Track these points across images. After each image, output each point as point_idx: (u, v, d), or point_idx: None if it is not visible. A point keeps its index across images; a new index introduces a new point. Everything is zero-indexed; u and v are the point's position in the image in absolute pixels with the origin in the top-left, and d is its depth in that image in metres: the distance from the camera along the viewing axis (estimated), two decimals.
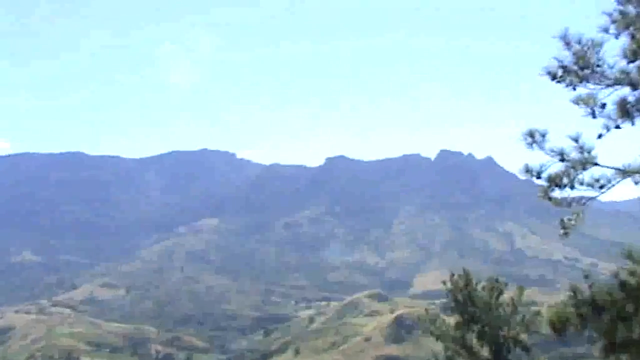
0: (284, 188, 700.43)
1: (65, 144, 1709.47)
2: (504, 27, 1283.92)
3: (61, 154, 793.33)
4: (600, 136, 13.51)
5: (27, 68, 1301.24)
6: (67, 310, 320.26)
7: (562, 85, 13.80)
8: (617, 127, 13.43)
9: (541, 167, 14.00)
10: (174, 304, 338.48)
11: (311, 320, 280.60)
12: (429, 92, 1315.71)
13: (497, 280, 35.27)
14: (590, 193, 13.91)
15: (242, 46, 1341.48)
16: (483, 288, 35.09)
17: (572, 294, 13.81)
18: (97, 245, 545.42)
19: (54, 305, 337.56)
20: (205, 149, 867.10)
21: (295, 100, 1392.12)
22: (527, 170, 14.15)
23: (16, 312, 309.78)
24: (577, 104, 13.52)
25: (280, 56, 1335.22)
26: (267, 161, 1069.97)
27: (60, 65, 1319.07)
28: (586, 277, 14.21)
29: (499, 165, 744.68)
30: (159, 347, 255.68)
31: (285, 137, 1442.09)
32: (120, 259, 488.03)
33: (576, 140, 13.74)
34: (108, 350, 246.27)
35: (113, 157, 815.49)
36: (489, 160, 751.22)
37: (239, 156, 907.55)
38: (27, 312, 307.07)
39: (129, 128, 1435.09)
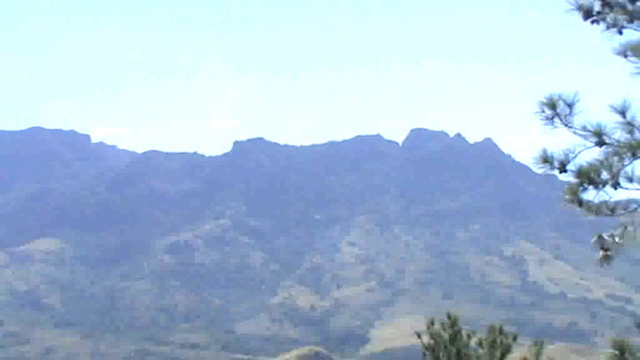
0: (168, 189, 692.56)
1: None
2: None
3: None
4: None
5: None
6: None
7: (601, 27, 13.90)
8: None
9: (567, 154, 14.07)
10: None
11: None
12: (392, 50, 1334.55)
13: (501, 331, 35.65)
14: None
15: None
16: (480, 343, 35.41)
17: (617, 353, 13.93)
18: None
19: None
20: (38, 128, 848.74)
21: (182, 58, 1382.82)
22: (545, 159, 14.14)
23: None
24: (625, 55, 13.61)
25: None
26: (140, 147, 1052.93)
27: None
28: (639, 326, 14.37)
29: (503, 153, 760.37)
30: None
31: (170, 111, 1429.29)
32: None
33: (623, 114, 13.81)
34: None
35: None
36: (488, 145, 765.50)
37: (95, 139, 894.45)
38: None
39: None
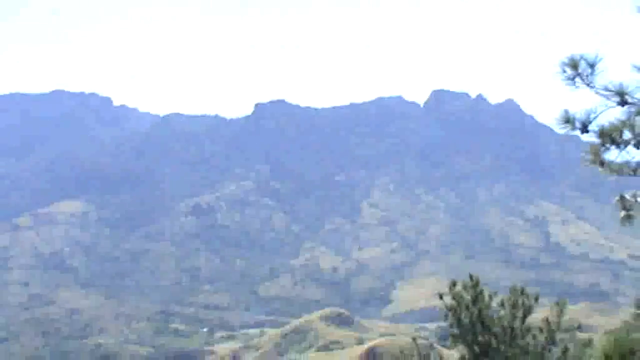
0: (189, 151, 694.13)
1: None
2: None
3: None
4: None
5: None
6: None
7: None
8: None
9: (589, 114, 14.00)
10: (12, 339, 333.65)
11: (235, 359, 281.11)
12: (411, 11, 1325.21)
13: (523, 292, 35.68)
14: None
15: None
16: (502, 304, 35.47)
17: (639, 312, 13.92)
18: None
19: None
20: (61, 91, 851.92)
21: (204, 21, 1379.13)
22: (567, 119, 14.09)
23: None
24: None
25: None
26: (162, 110, 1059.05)
27: None
28: None
29: (525, 113, 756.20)
30: None
31: (191, 74, 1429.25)
32: None
33: None
34: None
35: None
36: (510, 105, 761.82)
37: (117, 102, 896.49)
38: None
39: None
